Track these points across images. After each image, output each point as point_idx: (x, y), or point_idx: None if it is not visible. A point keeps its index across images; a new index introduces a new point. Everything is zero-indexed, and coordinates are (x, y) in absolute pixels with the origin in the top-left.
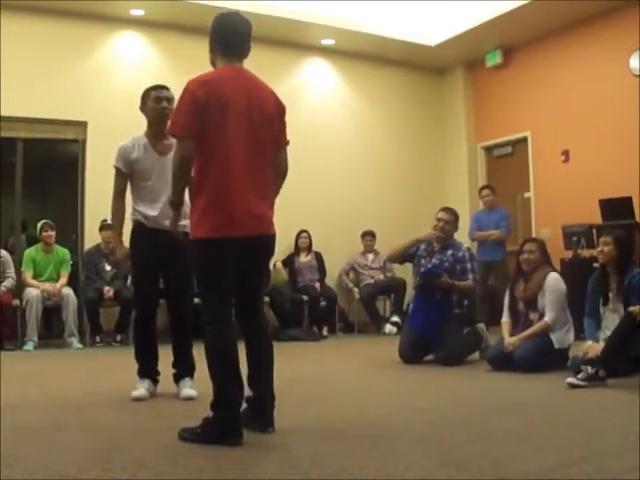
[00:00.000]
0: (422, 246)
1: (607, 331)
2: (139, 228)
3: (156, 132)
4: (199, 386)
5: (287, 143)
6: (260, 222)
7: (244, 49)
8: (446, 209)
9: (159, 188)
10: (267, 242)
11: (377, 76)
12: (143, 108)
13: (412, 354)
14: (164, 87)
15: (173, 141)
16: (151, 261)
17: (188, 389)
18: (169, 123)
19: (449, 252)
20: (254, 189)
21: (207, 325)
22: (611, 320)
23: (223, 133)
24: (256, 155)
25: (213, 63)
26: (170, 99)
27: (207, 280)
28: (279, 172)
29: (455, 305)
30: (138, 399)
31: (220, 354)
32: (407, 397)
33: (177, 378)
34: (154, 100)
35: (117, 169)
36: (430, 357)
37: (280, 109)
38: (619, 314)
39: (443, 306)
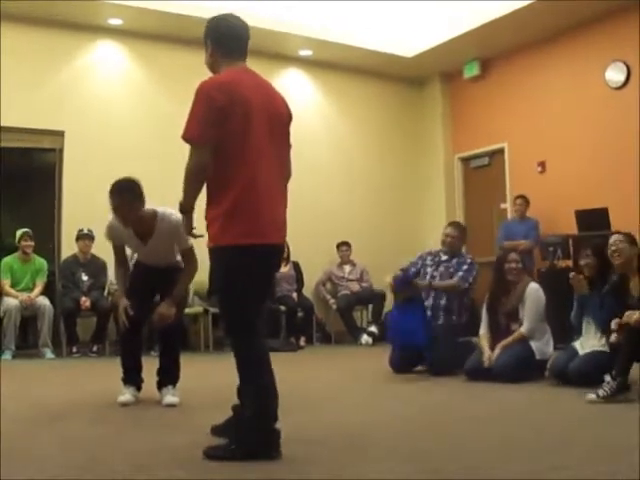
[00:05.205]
0: (429, 257)
1: (586, 344)
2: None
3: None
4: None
5: (290, 147)
6: (281, 230)
7: (246, 51)
8: (453, 224)
9: (148, 261)
10: (283, 251)
11: (354, 87)
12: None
13: (403, 365)
14: None
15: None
16: (144, 282)
17: (170, 396)
18: (183, 128)
19: (454, 260)
20: (276, 195)
21: (243, 340)
22: (592, 332)
23: (248, 138)
24: (277, 159)
25: (212, 67)
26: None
27: (238, 290)
28: (286, 177)
29: (455, 313)
30: (125, 404)
31: (261, 368)
32: (383, 406)
33: (160, 385)
34: None
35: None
36: (420, 367)
37: (289, 112)
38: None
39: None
